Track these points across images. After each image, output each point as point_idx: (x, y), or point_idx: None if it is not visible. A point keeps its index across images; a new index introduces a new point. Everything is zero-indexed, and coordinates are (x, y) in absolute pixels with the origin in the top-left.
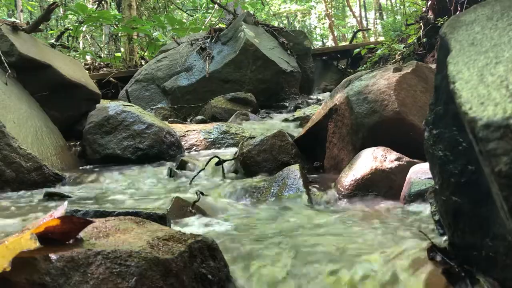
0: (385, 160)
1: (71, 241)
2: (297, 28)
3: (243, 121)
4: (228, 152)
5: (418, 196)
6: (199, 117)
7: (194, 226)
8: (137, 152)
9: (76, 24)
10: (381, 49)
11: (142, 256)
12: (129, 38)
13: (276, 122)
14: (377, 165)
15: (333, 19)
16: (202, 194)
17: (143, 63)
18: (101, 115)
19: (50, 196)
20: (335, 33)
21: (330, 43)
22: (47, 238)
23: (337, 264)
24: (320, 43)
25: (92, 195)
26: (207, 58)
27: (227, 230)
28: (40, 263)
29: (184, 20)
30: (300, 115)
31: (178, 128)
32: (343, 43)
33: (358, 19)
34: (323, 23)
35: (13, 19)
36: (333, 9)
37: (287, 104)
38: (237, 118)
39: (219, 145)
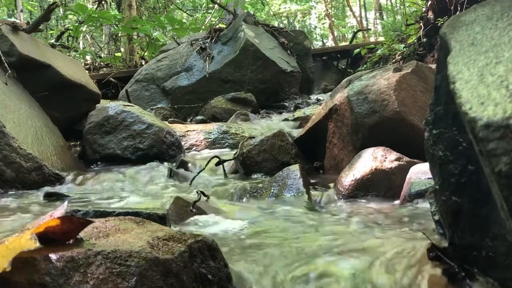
0: (385, 160)
1: (71, 241)
2: (297, 28)
3: (243, 121)
4: (228, 152)
5: (418, 196)
6: (199, 117)
7: (194, 226)
8: (137, 152)
9: (76, 24)
10: (381, 49)
11: (142, 256)
12: (129, 38)
13: (276, 122)
14: (377, 165)
15: (333, 19)
16: (203, 194)
17: (143, 63)
18: (101, 115)
19: (50, 196)
20: (335, 33)
21: (330, 43)
22: (47, 238)
23: (337, 265)
24: (320, 43)
25: (92, 195)
26: (207, 58)
27: (227, 230)
28: (40, 263)
29: (184, 20)
30: (300, 115)
31: (178, 128)
32: (343, 43)
33: (358, 19)
34: (323, 23)
35: (13, 19)
36: (333, 9)
37: (287, 104)
38: (237, 118)
39: (219, 145)
